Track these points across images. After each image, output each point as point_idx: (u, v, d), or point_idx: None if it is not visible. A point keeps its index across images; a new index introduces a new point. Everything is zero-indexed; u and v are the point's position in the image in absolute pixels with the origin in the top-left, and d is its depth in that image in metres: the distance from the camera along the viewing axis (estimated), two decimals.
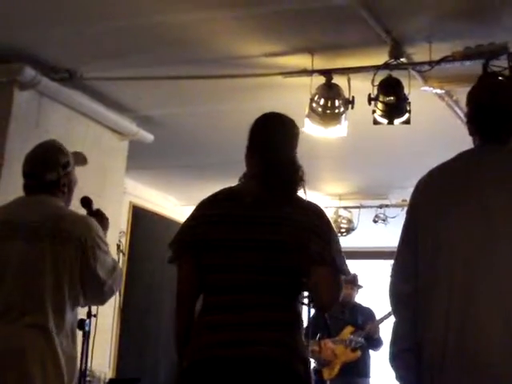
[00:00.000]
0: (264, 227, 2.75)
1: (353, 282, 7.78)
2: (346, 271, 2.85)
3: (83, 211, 3.72)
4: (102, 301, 3.68)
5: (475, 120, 2.80)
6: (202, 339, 2.70)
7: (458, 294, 2.53)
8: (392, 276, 2.78)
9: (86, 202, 3.73)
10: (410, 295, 2.68)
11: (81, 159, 3.76)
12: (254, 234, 2.75)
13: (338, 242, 2.84)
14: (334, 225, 9.04)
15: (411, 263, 2.69)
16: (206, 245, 2.78)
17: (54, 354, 3.28)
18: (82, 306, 3.64)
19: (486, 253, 2.54)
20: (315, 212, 2.83)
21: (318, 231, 2.76)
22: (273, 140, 2.92)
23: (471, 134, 2.83)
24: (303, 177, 2.88)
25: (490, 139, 2.75)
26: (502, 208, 2.57)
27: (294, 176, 2.87)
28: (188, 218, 2.91)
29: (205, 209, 2.90)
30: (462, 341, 2.49)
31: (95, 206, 3.77)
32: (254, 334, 2.64)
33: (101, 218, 3.65)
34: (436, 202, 2.70)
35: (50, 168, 3.53)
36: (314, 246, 2.73)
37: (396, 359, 2.71)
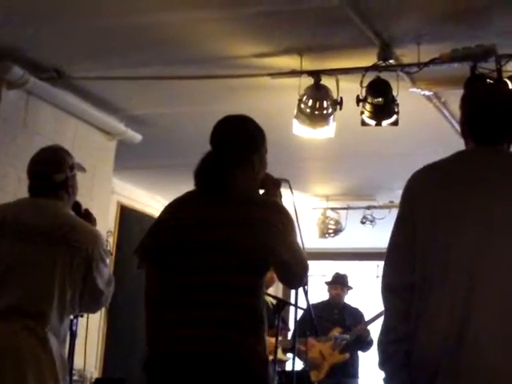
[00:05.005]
0: (223, 228, 2.84)
1: (342, 283, 7.81)
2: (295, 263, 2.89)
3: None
4: (95, 310, 3.80)
5: (471, 121, 2.77)
6: (161, 334, 2.83)
7: (461, 297, 2.49)
8: (385, 269, 2.68)
9: (75, 205, 3.75)
10: (406, 288, 2.60)
11: (81, 168, 3.80)
12: (213, 235, 2.83)
13: (290, 235, 2.88)
14: (321, 226, 9.07)
15: (408, 257, 2.61)
16: (168, 248, 2.90)
17: (50, 358, 3.32)
18: (75, 314, 3.69)
19: (488, 257, 2.50)
20: (272, 209, 2.90)
21: (274, 229, 2.82)
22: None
23: (464, 135, 2.81)
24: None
25: (483, 141, 2.73)
26: (506, 213, 2.54)
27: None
28: (153, 223, 3.04)
29: (169, 212, 3.02)
30: (460, 349, 2.45)
31: (83, 206, 3.80)
32: (206, 332, 2.74)
33: (89, 219, 3.71)
34: (436, 198, 2.64)
35: (58, 169, 3.57)
36: (271, 243, 2.80)
37: (385, 359, 2.62)
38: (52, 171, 3.55)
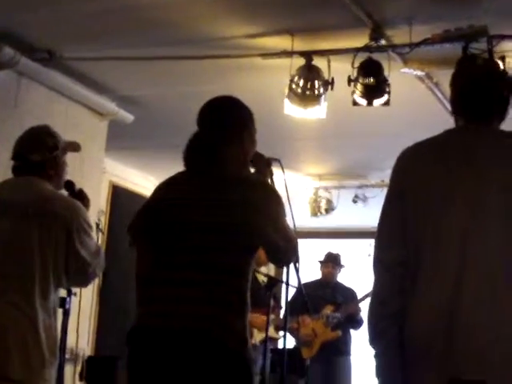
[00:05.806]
0: (212, 209, 2.84)
1: (335, 262, 7.84)
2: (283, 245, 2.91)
3: (65, 193, 3.76)
4: (85, 283, 3.78)
5: (461, 97, 2.77)
6: (141, 309, 2.87)
7: (451, 279, 2.50)
8: (377, 244, 2.68)
9: (68, 185, 3.78)
10: (398, 263, 2.60)
11: (75, 147, 3.81)
12: (203, 215, 2.84)
13: (278, 214, 2.91)
14: (313, 204, 9.06)
15: (398, 232, 2.62)
16: (158, 228, 2.90)
17: (35, 332, 3.32)
18: (65, 288, 3.69)
19: (477, 239, 2.51)
20: (260, 189, 2.93)
21: (262, 208, 2.84)
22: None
23: (454, 113, 2.81)
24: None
25: (473, 118, 2.72)
26: (494, 195, 2.54)
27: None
28: (144, 203, 3.04)
29: (159, 192, 3.03)
30: (450, 331, 2.47)
31: (77, 186, 3.82)
32: (182, 307, 2.74)
33: (82, 198, 3.71)
34: (425, 174, 2.65)
35: (34, 149, 3.58)
36: (259, 223, 2.82)
37: (377, 334, 2.63)
38: (27, 151, 3.58)
